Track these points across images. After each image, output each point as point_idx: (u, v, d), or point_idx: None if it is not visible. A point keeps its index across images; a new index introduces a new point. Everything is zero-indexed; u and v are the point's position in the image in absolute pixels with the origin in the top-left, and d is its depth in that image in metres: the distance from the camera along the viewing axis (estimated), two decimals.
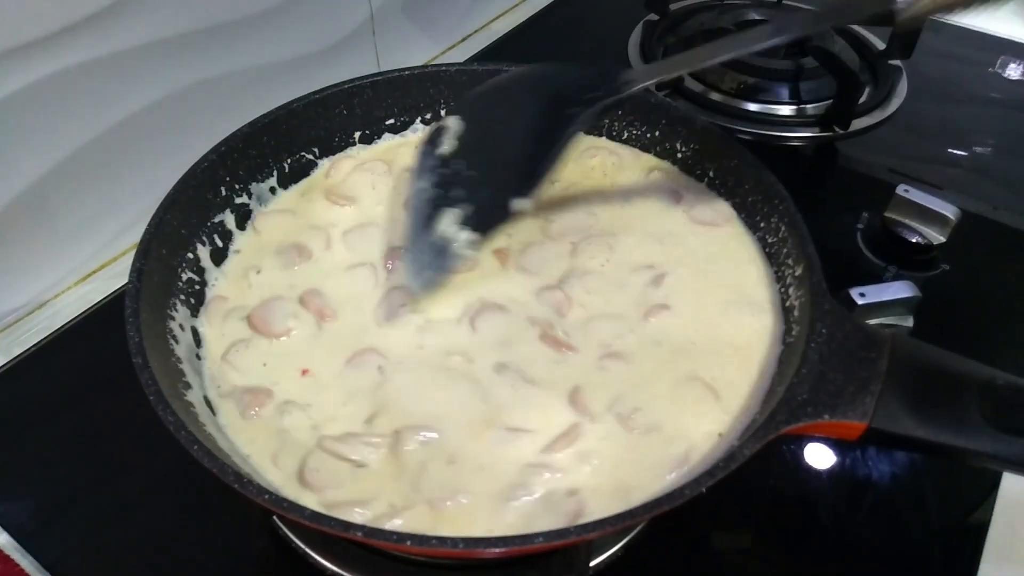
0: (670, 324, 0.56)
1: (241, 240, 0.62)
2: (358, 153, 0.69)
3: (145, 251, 0.52)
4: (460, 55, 1.03)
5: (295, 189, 0.66)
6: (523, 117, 0.58)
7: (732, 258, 0.61)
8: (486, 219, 0.54)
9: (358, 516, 0.45)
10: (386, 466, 0.48)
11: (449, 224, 0.55)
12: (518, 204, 0.54)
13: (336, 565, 0.53)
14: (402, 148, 0.70)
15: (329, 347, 0.55)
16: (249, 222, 0.63)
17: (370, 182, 0.66)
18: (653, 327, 0.56)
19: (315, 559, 0.54)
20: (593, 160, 0.69)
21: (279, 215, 0.64)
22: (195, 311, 0.57)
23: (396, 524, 0.45)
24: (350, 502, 0.47)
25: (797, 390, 0.46)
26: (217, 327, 0.56)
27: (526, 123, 0.57)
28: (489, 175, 0.56)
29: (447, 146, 0.59)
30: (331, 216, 0.64)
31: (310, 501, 0.47)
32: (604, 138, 0.71)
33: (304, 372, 0.53)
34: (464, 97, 0.63)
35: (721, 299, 0.58)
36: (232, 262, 0.61)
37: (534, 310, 0.57)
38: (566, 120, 0.55)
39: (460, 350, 0.54)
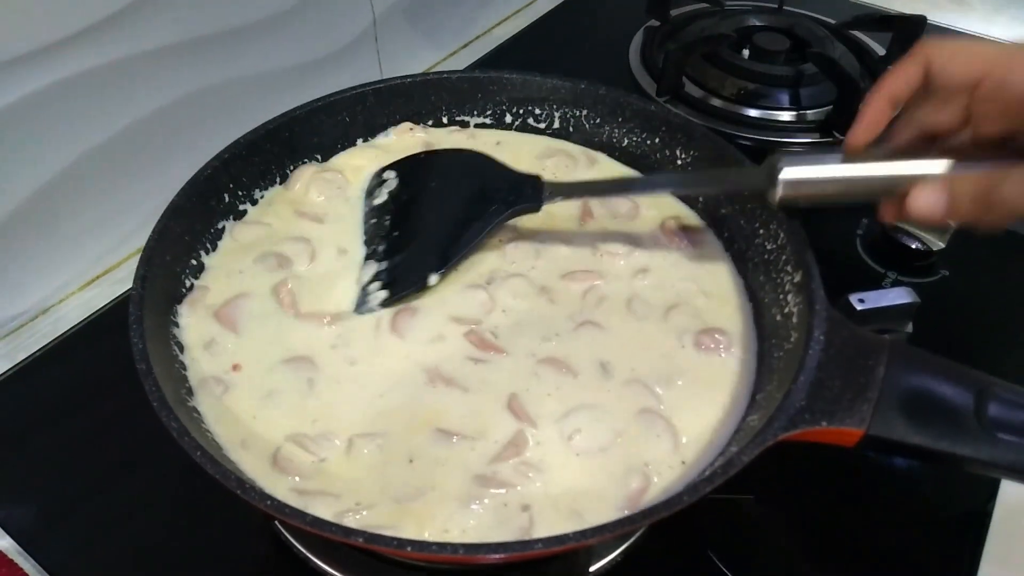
0: (608, 342, 0.56)
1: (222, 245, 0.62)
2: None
3: (149, 258, 0.52)
4: (462, 61, 1.04)
5: (262, 201, 0.65)
6: (451, 198, 0.62)
7: (699, 281, 0.61)
8: (399, 283, 0.58)
9: (328, 507, 0.46)
10: (345, 466, 0.49)
11: (368, 276, 0.59)
12: (430, 279, 0.58)
13: (336, 569, 0.54)
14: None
15: (267, 351, 0.55)
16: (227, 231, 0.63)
17: (330, 191, 0.66)
18: (592, 341, 0.56)
19: (315, 563, 0.54)
20: (547, 161, 0.69)
21: (253, 226, 0.63)
22: None
23: (362, 517, 0.46)
24: (321, 492, 0.48)
25: (795, 397, 0.46)
26: (197, 318, 0.56)
27: (453, 205, 0.61)
28: (410, 244, 0.60)
29: (381, 198, 0.64)
30: (299, 226, 0.63)
31: (283, 485, 0.48)
32: (581, 147, 0.71)
33: (235, 367, 0.54)
34: (407, 158, 0.66)
35: (675, 324, 0.57)
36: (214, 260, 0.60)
37: (459, 310, 0.58)
38: (488, 215, 0.59)
39: (387, 353, 0.55)
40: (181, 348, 0.54)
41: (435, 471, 0.49)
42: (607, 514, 0.46)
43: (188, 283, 0.58)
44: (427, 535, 0.45)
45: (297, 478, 0.48)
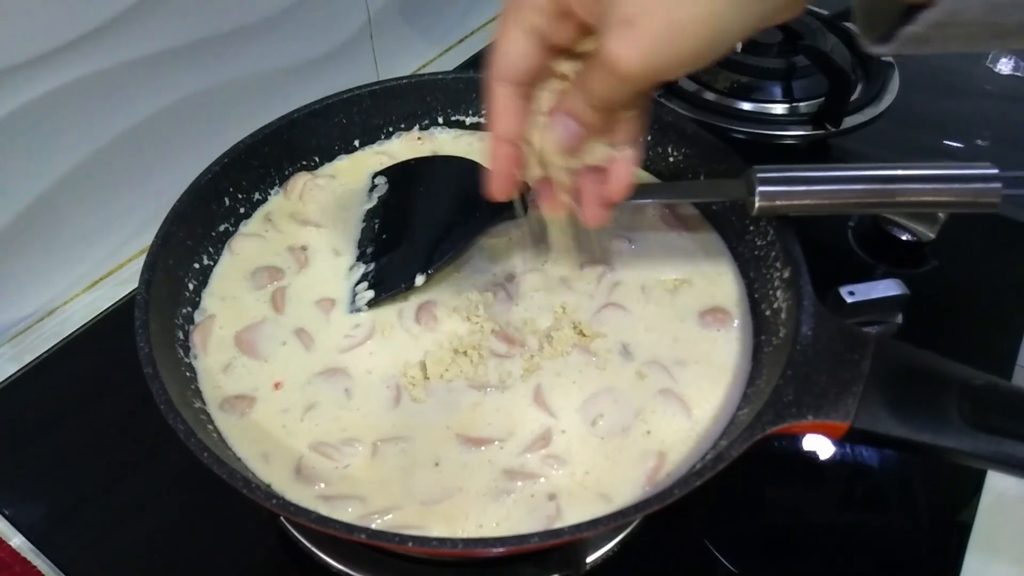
0: (624, 326, 0.58)
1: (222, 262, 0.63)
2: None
3: (153, 263, 0.53)
4: (457, 58, 1.04)
5: (260, 212, 0.66)
6: (439, 204, 0.63)
7: (699, 265, 0.62)
8: (386, 283, 0.59)
9: (353, 512, 0.47)
10: (371, 470, 0.50)
11: (356, 277, 0.61)
12: (417, 279, 0.58)
13: (341, 563, 0.55)
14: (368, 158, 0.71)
15: (301, 367, 0.56)
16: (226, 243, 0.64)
17: (324, 196, 0.67)
18: (607, 328, 0.58)
19: (321, 557, 0.55)
20: None
21: (251, 239, 0.64)
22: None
23: (389, 520, 0.47)
24: (345, 496, 0.49)
25: (782, 391, 0.47)
26: (210, 344, 0.57)
27: (440, 210, 0.62)
28: (398, 247, 0.61)
29: (372, 203, 0.65)
30: (300, 235, 0.65)
31: (307, 494, 0.49)
32: None
33: (277, 385, 0.55)
34: (398, 164, 0.67)
35: (683, 305, 0.60)
36: (214, 283, 0.61)
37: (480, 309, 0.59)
38: (473, 221, 0.60)
39: (410, 353, 0.56)
40: (186, 351, 0.55)
41: (462, 472, 0.50)
42: (632, 494, 0.49)
43: (191, 286, 0.59)
44: (460, 533, 0.47)
45: (322, 484, 0.49)
